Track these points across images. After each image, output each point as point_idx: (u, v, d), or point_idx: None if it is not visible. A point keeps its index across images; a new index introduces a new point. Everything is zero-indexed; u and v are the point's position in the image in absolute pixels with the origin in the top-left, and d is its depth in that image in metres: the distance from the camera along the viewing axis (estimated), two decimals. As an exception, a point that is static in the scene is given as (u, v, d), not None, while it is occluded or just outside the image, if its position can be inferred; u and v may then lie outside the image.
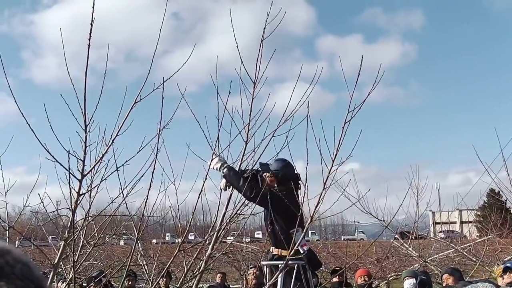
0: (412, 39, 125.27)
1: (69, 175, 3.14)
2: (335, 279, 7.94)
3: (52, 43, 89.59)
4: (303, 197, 3.93)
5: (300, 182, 5.18)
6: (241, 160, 4.63)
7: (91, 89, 3.29)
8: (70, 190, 3.18)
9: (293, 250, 4.04)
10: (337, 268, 8.28)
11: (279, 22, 4.31)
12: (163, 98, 3.28)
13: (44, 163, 3.54)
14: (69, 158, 3.08)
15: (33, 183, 4.49)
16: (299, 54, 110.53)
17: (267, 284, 3.82)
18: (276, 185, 5.35)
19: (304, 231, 4.40)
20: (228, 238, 11.03)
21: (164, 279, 8.48)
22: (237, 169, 4.95)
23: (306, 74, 4.87)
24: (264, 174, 5.34)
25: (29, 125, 3.04)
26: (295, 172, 5.30)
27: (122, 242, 22.25)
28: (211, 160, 4.78)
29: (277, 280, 4.81)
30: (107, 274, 6.71)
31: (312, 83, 4.14)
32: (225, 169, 4.92)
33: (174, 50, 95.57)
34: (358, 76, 3.50)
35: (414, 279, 6.42)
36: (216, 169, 4.95)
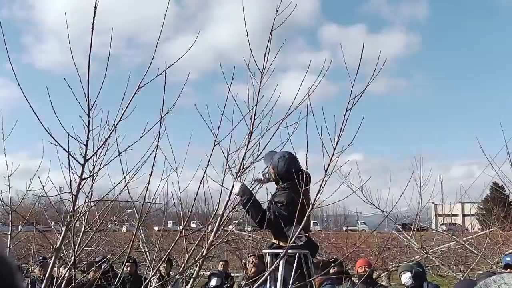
0: (416, 30, 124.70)
1: (69, 159, 3.14)
2: (331, 270, 7.96)
3: (53, 28, 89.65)
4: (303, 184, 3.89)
5: (306, 176, 5.09)
6: (246, 150, 4.61)
7: (93, 75, 3.27)
8: (70, 174, 3.18)
9: (291, 243, 4.06)
10: (331, 260, 8.31)
11: (290, 14, 4.26)
12: (165, 82, 3.26)
13: (48, 148, 3.54)
14: (68, 141, 3.08)
15: (36, 168, 4.49)
16: (302, 43, 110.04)
17: (268, 271, 3.83)
18: (275, 180, 5.33)
19: (302, 224, 4.36)
20: (230, 226, 11.06)
21: (165, 266, 8.53)
22: (241, 161, 4.89)
23: (310, 63, 4.83)
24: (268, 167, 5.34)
25: (32, 108, 3.04)
26: (297, 166, 5.20)
27: (124, 229, 22.36)
28: (233, 185, 4.88)
29: (277, 268, 4.83)
30: (109, 260, 6.74)
31: (316, 75, 4.10)
32: (246, 199, 5.00)
33: (176, 37, 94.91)
34: (360, 63, 3.46)
35: (409, 272, 6.75)
36: (237, 195, 5.06)
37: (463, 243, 11.51)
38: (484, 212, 18.86)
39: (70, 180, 3.23)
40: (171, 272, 9.01)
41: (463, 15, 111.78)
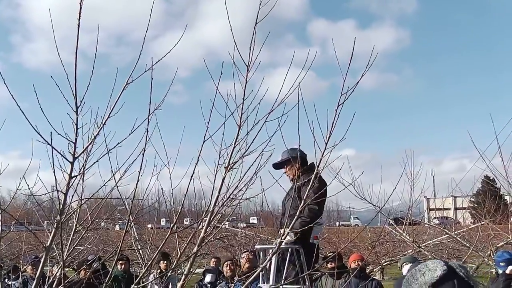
0: (405, 24, 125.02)
1: (53, 157, 3.12)
2: (329, 265, 7.98)
3: (42, 27, 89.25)
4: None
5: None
6: (234, 144, 4.60)
7: (83, 74, 3.24)
8: (54, 172, 3.17)
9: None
10: (329, 254, 8.33)
11: (273, 5, 4.23)
12: (152, 78, 3.25)
13: (38, 147, 3.51)
14: (51, 139, 3.06)
15: (28, 168, 4.46)
16: (291, 39, 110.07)
17: (261, 266, 3.83)
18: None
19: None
20: (223, 223, 11.04)
21: (164, 262, 8.70)
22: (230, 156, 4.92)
23: (299, 59, 4.82)
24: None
25: (19, 106, 3.01)
26: (300, 155, 5.54)
27: (117, 227, 22.29)
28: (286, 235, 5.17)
29: (270, 263, 4.84)
30: (100, 258, 6.71)
31: (306, 68, 4.08)
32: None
33: (165, 34, 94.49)
34: (351, 57, 3.44)
35: (412, 264, 6.69)
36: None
37: (455, 236, 11.58)
38: (475, 205, 18.97)
39: (55, 178, 3.21)
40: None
41: (451, 8, 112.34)
